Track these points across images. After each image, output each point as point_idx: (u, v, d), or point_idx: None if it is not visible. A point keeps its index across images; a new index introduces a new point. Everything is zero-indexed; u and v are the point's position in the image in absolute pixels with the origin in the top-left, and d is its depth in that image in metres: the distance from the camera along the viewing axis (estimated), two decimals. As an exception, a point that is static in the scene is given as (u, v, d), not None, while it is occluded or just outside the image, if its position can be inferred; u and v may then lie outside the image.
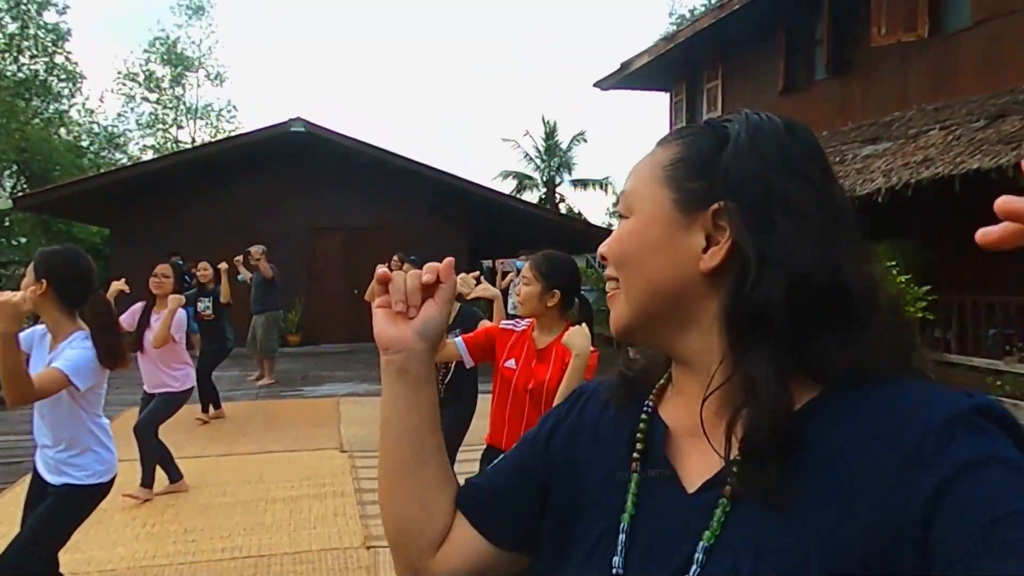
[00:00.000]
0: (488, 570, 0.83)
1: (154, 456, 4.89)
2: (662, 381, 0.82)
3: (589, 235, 15.46)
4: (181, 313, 4.95)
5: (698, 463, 0.73)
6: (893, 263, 7.27)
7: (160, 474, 4.93)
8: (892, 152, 8.12)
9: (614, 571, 0.72)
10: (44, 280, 2.59)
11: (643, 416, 0.79)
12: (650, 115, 64.32)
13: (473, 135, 65.48)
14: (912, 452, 0.60)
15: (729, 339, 0.71)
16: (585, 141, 29.19)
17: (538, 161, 29.18)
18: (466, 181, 14.29)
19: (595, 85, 16.26)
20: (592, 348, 2.47)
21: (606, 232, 17.12)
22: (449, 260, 0.83)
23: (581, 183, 29.25)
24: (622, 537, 0.72)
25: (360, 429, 6.98)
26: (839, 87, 10.64)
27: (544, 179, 29.10)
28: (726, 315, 0.71)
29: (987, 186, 6.44)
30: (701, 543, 0.67)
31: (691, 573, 0.67)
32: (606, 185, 29.85)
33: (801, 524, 0.63)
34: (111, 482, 2.81)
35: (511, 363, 2.64)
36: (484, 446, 2.82)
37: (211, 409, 7.47)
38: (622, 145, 59.34)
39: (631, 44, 40.82)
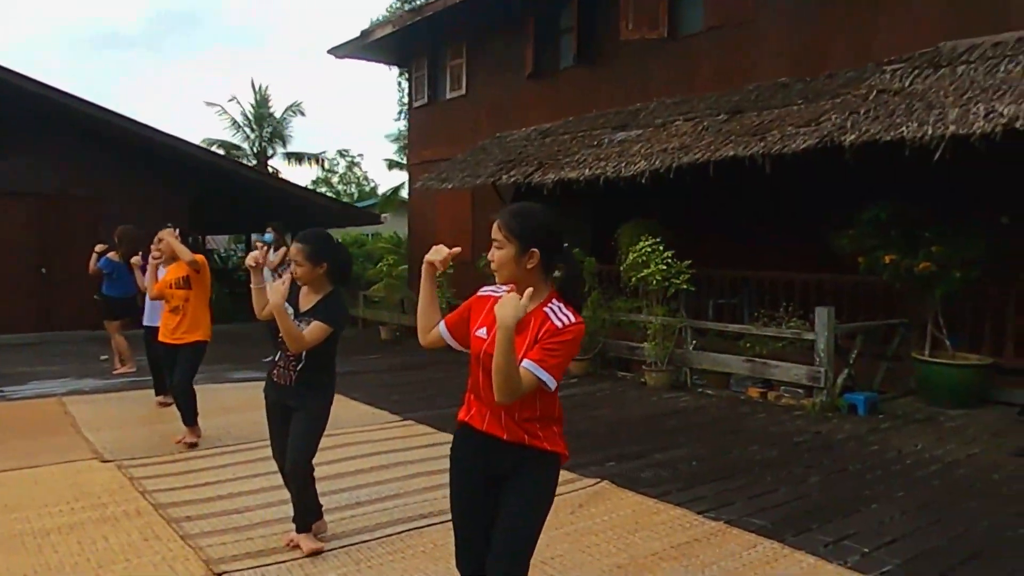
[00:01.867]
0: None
1: None
2: None
3: (333, 211, 14.68)
4: None
5: None
6: (659, 240, 7.93)
7: None
8: (647, 138, 8.82)
9: None
10: None
11: None
12: (376, 90, 62.60)
13: (168, 95, 58.80)
14: None
15: None
16: (303, 113, 27.63)
17: (247, 130, 27.00)
18: (191, 145, 12.63)
19: (330, 52, 15.41)
20: (575, 319, 2.18)
21: (357, 209, 16.43)
22: None
23: (296, 156, 27.73)
24: None
25: (114, 432, 5.79)
26: (586, 75, 11.32)
27: (255, 150, 27.02)
28: None
29: (739, 170, 7.31)
30: None
31: None
32: (322, 159, 28.72)
33: None
34: None
35: (482, 332, 2.26)
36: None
37: None
38: (342, 119, 57.17)
39: (353, 17, 39.05)
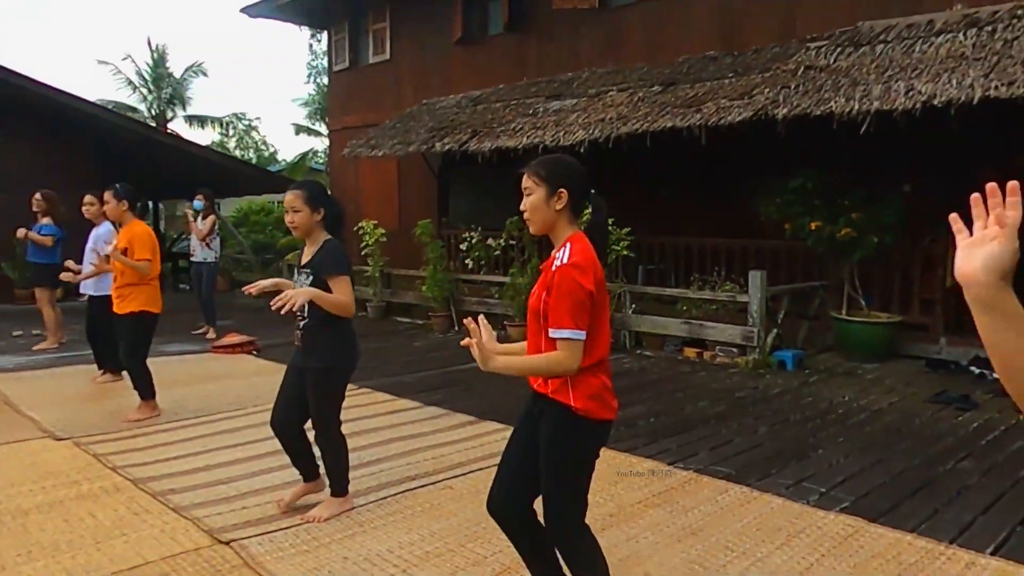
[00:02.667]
0: None
1: None
2: None
3: (251, 178, 14.18)
4: None
5: None
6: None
7: None
8: (583, 108, 9.01)
9: None
10: None
11: None
12: (283, 51, 59.47)
13: (52, 52, 54.41)
14: None
15: None
16: (204, 74, 26.30)
17: (144, 91, 25.49)
18: (96, 106, 11.89)
19: (243, 11, 14.78)
20: (566, 261, 2.19)
21: (277, 176, 15.89)
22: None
23: (198, 120, 26.43)
24: None
25: (58, 410, 5.56)
26: (516, 43, 11.36)
27: (153, 112, 25.57)
28: None
29: (674, 140, 7.62)
30: None
31: None
32: (227, 124, 27.51)
33: None
34: None
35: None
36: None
37: None
38: (245, 81, 54.12)
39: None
